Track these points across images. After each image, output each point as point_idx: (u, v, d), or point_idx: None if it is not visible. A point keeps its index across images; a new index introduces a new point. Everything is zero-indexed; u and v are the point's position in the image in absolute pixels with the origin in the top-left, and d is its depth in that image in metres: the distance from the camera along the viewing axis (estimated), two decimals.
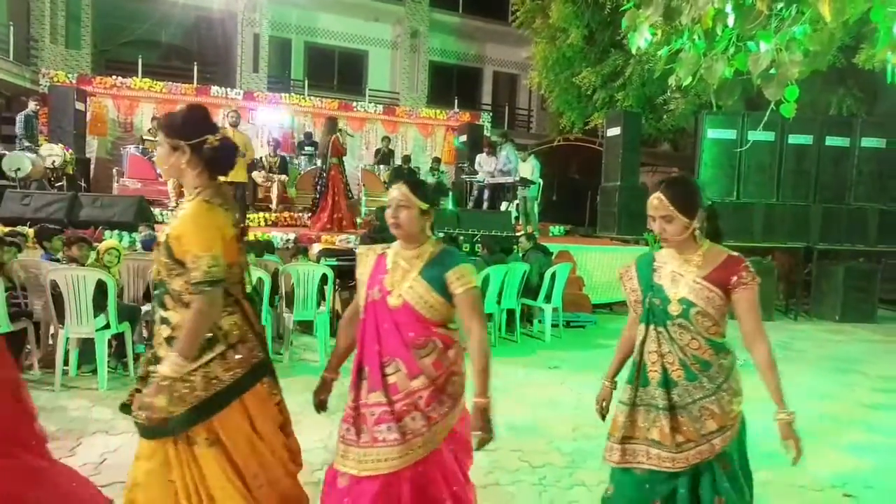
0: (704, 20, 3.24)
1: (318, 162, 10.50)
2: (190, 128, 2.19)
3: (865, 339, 8.21)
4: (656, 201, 2.16)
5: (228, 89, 13.70)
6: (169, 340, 2.17)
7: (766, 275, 9.39)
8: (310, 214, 9.95)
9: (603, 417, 2.45)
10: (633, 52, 3.86)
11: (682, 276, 2.18)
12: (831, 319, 9.39)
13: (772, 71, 3.02)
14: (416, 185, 2.26)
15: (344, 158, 10.03)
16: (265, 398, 2.35)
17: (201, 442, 2.17)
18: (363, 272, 2.34)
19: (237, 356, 2.21)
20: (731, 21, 3.17)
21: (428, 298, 2.20)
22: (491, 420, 2.21)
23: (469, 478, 2.37)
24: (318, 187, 9.60)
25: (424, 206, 2.23)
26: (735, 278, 2.13)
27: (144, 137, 12.05)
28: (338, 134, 9.55)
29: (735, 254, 2.21)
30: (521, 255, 7.96)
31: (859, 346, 7.82)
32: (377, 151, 13.54)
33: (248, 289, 2.38)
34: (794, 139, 9.47)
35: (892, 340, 8.22)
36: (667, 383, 2.18)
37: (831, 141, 9.58)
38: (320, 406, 2.50)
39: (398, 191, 2.23)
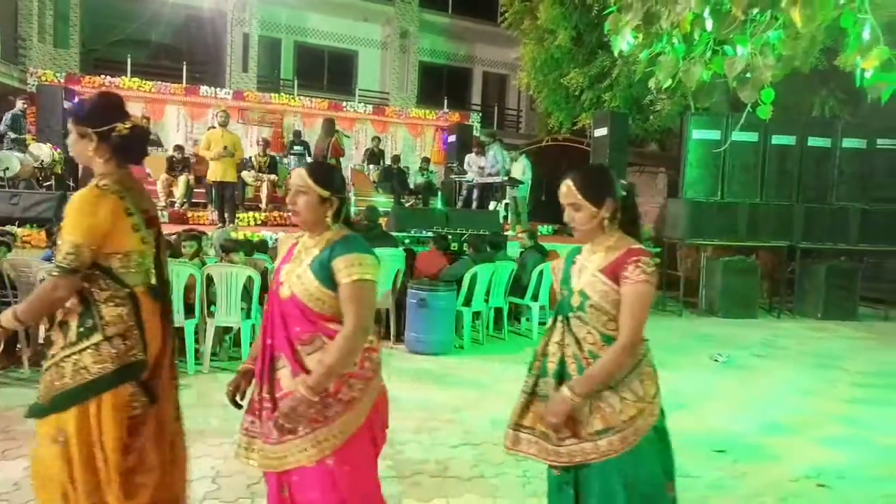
0: (683, 25, 3.34)
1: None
2: (98, 115, 2.13)
3: (847, 336, 8.37)
4: (564, 188, 2.10)
5: (218, 89, 13.73)
6: (61, 325, 2.11)
7: (749, 274, 9.60)
8: None
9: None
10: (616, 54, 3.95)
11: (586, 267, 2.11)
12: (814, 317, 9.55)
13: (747, 74, 3.11)
14: (317, 171, 2.11)
15: (341, 160, 10.10)
16: (122, 406, 2.09)
17: (44, 436, 2.09)
18: (277, 260, 2.24)
19: (112, 350, 2.07)
20: (709, 25, 3.27)
21: (313, 290, 2.02)
22: (296, 409, 1.97)
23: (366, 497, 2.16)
24: None
25: (325, 193, 2.07)
26: (623, 271, 2.01)
27: None
28: (336, 136, 9.64)
29: (637, 246, 2.08)
30: (520, 251, 8.06)
31: (840, 342, 7.97)
32: (367, 151, 13.60)
33: (155, 281, 2.26)
34: (777, 140, 9.62)
35: (873, 337, 8.39)
36: (561, 375, 2.09)
37: (813, 142, 9.74)
38: (231, 396, 2.22)
39: (297, 176, 2.10)
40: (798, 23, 2.83)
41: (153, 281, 2.26)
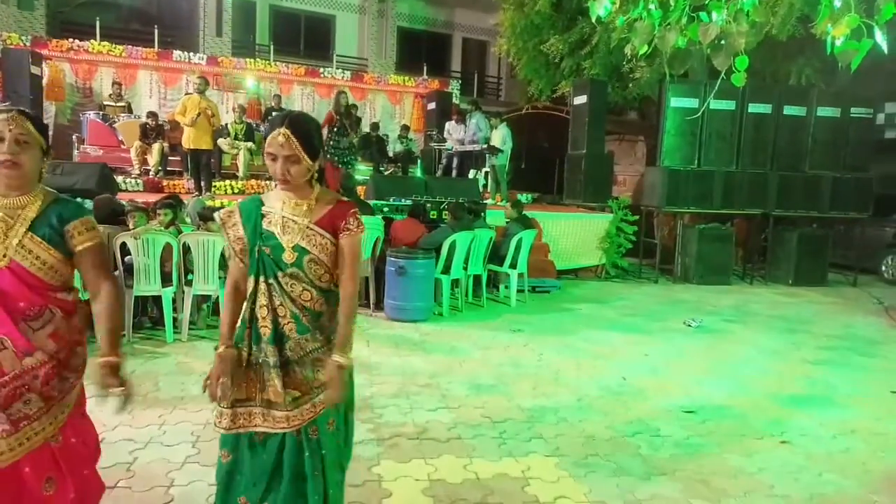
0: None
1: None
2: None
3: (815, 301, 8.60)
4: (282, 139, 1.92)
5: (191, 54, 13.35)
6: None
7: (724, 241, 9.77)
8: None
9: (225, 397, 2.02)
10: (594, 20, 3.94)
11: (294, 222, 2.01)
12: (785, 283, 9.78)
13: (721, 41, 3.13)
14: (32, 118, 1.89)
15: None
16: None
17: None
18: None
19: None
20: None
21: (45, 257, 1.87)
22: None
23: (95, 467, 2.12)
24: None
25: (43, 142, 1.91)
26: (343, 223, 2.02)
27: (105, 103, 11.77)
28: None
29: (345, 199, 2.11)
30: (506, 222, 8.09)
31: (809, 307, 8.20)
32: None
33: None
34: (753, 108, 9.68)
35: (840, 302, 8.63)
36: (279, 338, 2.01)
37: (789, 110, 9.82)
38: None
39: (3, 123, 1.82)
40: None
41: None
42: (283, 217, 2.01)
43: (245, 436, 2.06)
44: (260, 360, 2.02)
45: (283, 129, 1.92)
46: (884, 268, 10.57)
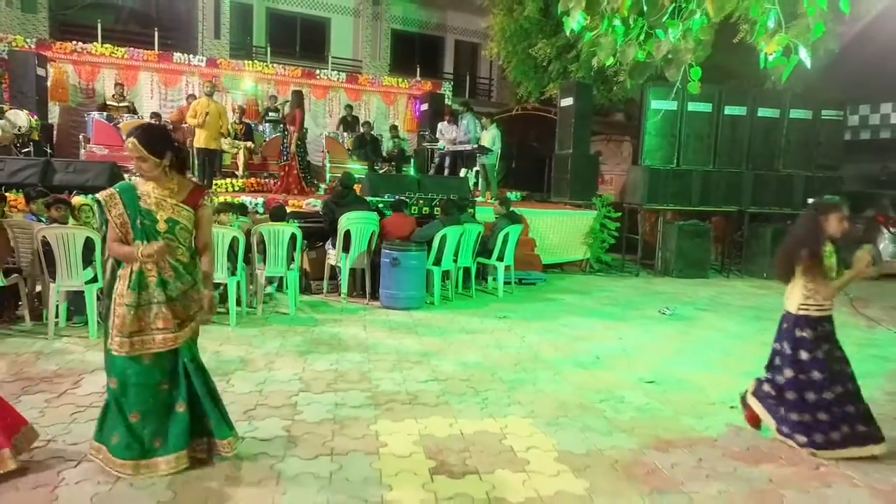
0: (621, 10, 3.82)
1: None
2: None
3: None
4: (131, 145, 2.81)
5: (191, 56, 13.76)
6: None
7: (702, 236, 10.30)
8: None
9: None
10: (568, 33, 4.41)
11: (166, 201, 2.89)
12: (759, 277, 10.31)
13: (670, 56, 3.61)
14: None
15: (306, 126, 10.65)
16: None
17: None
18: None
19: None
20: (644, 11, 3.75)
21: None
22: None
23: None
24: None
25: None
26: (200, 201, 2.97)
27: (108, 104, 12.17)
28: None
29: (198, 183, 3.12)
30: (495, 218, 8.56)
31: (779, 298, 8.46)
32: (340, 119, 13.87)
33: None
34: (729, 110, 10.22)
35: None
36: (163, 283, 2.88)
37: (763, 112, 10.36)
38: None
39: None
40: (711, 13, 3.34)
41: None
42: (157, 198, 2.88)
43: (134, 360, 2.86)
44: (150, 301, 2.87)
45: (131, 139, 2.82)
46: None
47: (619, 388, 4.51)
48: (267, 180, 10.92)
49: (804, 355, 3.56)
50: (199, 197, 3.00)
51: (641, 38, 3.83)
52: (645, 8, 3.80)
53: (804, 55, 3.39)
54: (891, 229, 10.67)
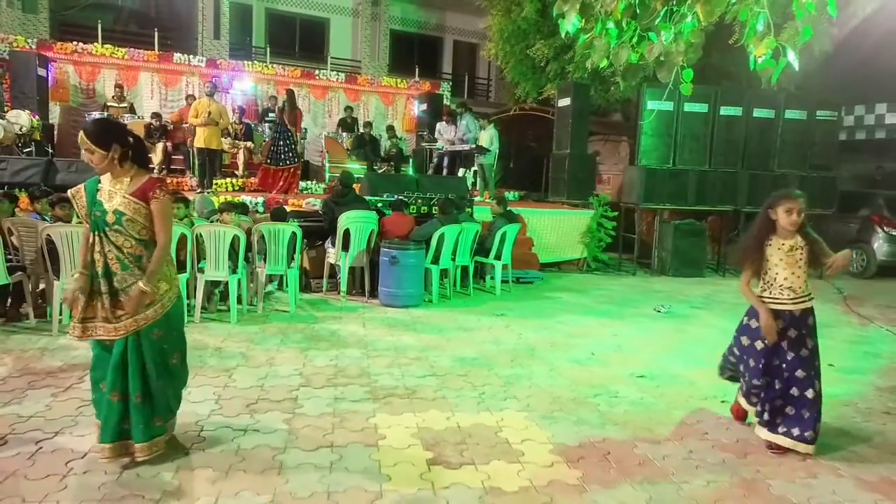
0: (615, 13, 3.91)
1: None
2: None
3: None
4: (80, 139, 2.88)
5: (191, 56, 13.85)
6: None
7: (698, 236, 10.40)
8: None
9: (77, 307, 2.96)
10: (563, 36, 4.50)
11: (116, 193, 2.92)
12: None
13: (662, 58, 3.70)
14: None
15: (304, 125, 10.73)
16: None
17: None
18: None
19: None
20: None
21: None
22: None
23: None
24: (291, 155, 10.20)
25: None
26: (151, 193, 2.93)
27: (108, 104, 12.25)
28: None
29: (155, 176, 3.04)
30: (492, 217, 8.63)
31: None
32: (340, 121, 13.93)
33: None
34: (725, 111, 10.31)
35: None
36: (108, 274, 2.92)
37: (758, 113, 10.45)
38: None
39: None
40: (701, 16, 3.43)
41: None
42: (109, 190, 2.94)
43: (97, 342, 3.01)
44: (99, 290, 2.93)
45: (80, 133, 2.90)
46: None
47: (613, 383, 4.60)
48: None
49: (745, 340, 3.65)
50: (149, 189, 2.94)
51: (634, 40, 3.93)
52: (637, 11, 3.90)
53: (792, 58, 3.49)
54: (885, 229, 10.77)
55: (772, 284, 3.53)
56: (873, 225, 10.87)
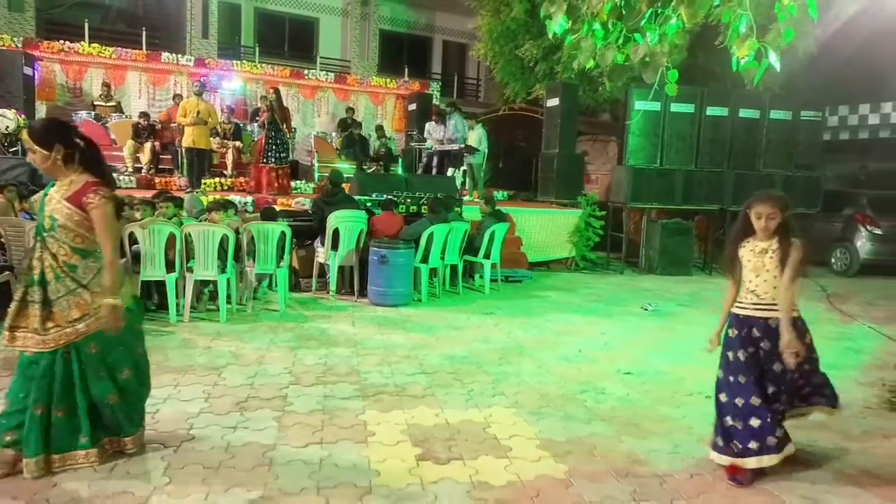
0: (601, 15, 3.97)
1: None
2: None
3: None
4: (23, 138, 2.86)
5: (179, 56, 13.79)
6: None
7: (685, 235, 10.51)
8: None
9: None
10: (550, 37, 4.55)
11: (54, 198, 2.81)
12: None
13: (647, 59, 3.76)
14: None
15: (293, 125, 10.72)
16: None
17: None
18: None
19: None
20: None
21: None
22: None
23: None
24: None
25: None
26: (85, 199, 2.76)
27: (96, 103, 12.19)
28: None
29: (94, 180, 2.82)
30: (481, 216, 8.67)
31: None
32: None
33: None
34: (711, 111, 10.43)
35: None
36: (42, 282, 2.80)
37: (744, 113, 10.59)
38: None
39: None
40: (685, 18, 3.50)
41: None
42: (50, 195, 2.84)
43: (24, 353, 2.84)
44: (32, 299, 2.81)
45: (24, 132, 2.87)
46: (833, 260, 11.36)
47: (600, 380, 4.66)
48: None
49: (730, 355, 3.29)
50: (83, 194, 2.76)
51: (620, 41, 3.98)
52: (623, 13, 3.96)
53: (774, 59, 3.56)
54: (868, 228, 10.92)
55: (744, 287, 3.29)
56: (856, 224, 11.02)
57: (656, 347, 5.73)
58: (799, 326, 3.21)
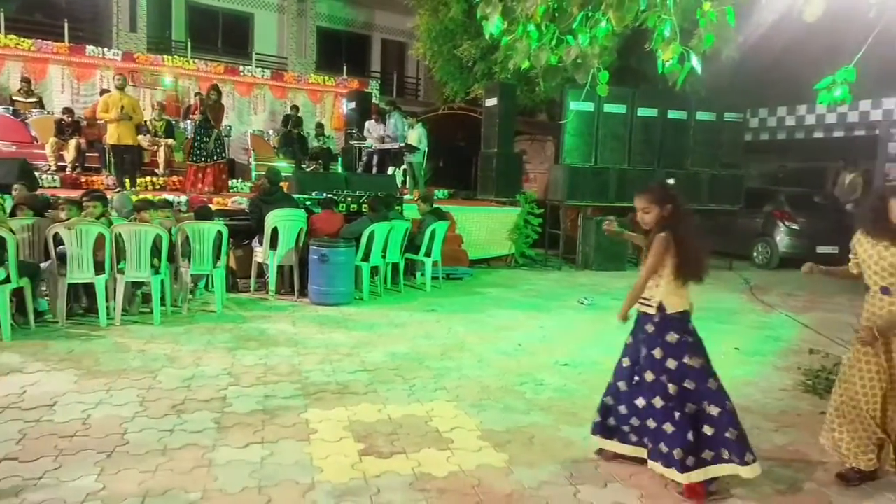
0: (535, 17, 4.09)
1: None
2: None
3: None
4: None
5: (105, 49, 13.23)
6: None
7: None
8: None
9: None
10: (487, 37, 4.64)
11: None
12: None
13: (579, 61, 3.91)
14: None
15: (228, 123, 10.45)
16: None
17: None
18: None
19: None
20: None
21: None
22: None
23: None
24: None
25: None
26: None
27: (14, 98, 11.54)
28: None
29: None
30: (421, 216, 8.69)
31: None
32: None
33: None
34: (642, 112, 10.82)
35: (715, 283, 9.79)
36: None
37: (673, 114, 11.04)
38: None
39: None
40: (613, 22, 3.65)
41: None
42: None
43: None
44: None
45: None
46: (755, 254, 12.01)
47: (538, 372, 4.79)
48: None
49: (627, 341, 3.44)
50: None
51: (553, 43, 4.11)
52: (556, 15, 4.10)
53: (695, 62, 3.76)
54: (786, 223, 11.60)
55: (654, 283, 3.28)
56: (775, 220, 11.69)
57: (592, 340, 5.94)
58: (675, 325, 3.23)
